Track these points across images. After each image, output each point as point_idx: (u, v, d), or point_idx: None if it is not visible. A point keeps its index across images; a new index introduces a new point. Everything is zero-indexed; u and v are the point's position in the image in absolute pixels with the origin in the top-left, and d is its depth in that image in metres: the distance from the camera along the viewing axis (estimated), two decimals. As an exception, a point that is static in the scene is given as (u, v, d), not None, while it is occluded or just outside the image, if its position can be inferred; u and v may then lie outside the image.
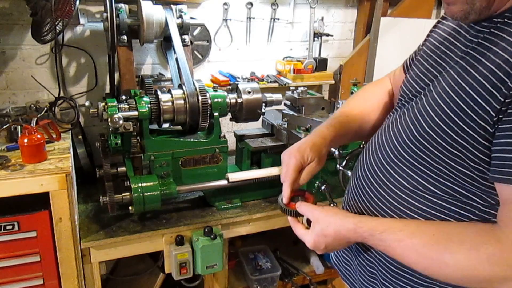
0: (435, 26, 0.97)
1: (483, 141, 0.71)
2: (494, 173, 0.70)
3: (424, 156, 0.80)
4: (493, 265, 0.66)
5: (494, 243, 0.67)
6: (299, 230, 0.92)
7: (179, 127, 1.65)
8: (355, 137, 1.11)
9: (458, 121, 0.73)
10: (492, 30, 0.73)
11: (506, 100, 0.66)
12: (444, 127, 0.75)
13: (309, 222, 0.91)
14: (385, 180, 0.88)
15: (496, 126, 0.68)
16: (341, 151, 1.61)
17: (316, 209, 0.88)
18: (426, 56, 0.91)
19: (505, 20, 0.72)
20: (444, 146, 0.76)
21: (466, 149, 0.73)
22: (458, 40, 0.83)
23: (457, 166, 0.76)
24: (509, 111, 0.66)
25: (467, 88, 0.72)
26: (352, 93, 1.94)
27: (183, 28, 1.77)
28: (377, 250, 0.82)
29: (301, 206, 0.92)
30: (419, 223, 0.80)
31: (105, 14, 1.62)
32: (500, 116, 0.67)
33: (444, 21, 0.94)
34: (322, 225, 0.85)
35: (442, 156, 0.77)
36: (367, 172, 0.94)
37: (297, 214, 0.93)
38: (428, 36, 0.97)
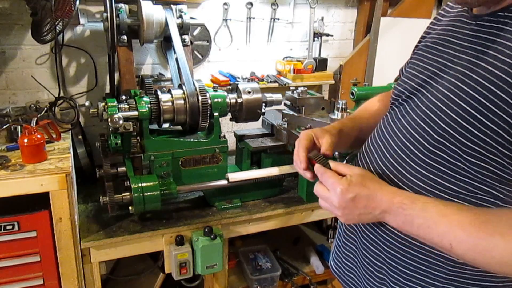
0: (429, 28, 0.95)
1: (505, 135, 0.70)
2: None
3: (441, 153, 0.78)
4: None
5: None
6: (331, 178, 0.81)
7: (179, 127, 1.65)
8: (358, 138, 1.09)
9: (479, 116, 0.71)
10: (500, 25, 0.73)
11: None
12: (463, 123, 0.73)
13: None
14: (397, 181, 0.86)
15: None
16: (341, 151, 1.61)
17: (357, 167, 0.83)
18: (422, 56, 0.89)
19: None
20: (462, 142, 0.74)
21: (487, 144, 0.72)
22: (458, 38, 0.82)
23: (476, 161, 0.75)
24: None
25: (485, 83, 0.71)
26: (352, 93, 1.93)
27: (183, 28, 1.77)
28: (413, 223, 0.75)
29: (338, 165, 0.84)
30: (460, 204, 0.76)
31: (105, 14, 1.62)
32: None
33: (436, 22, 0.92)
34: (365, 177, 0.80)
35: (461, 152, 0.75)
36: (375, 174, 0.90)
37: (328, 166, 0.86)
38: (422, 37, 0.96)
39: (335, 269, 1.11)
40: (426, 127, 0.80)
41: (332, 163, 0.86)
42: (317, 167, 0.86)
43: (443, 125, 0.77)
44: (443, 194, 0.80)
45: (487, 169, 0.75)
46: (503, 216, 0.69)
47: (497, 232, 0.67)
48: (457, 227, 0.70)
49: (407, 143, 0.84)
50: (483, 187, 0.77)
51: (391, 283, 0.92)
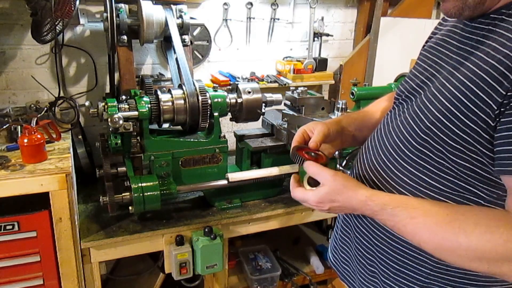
0: (436, 28, 0.97)
1: (484, 135, 0.71)
2: (499, 166, 0.70)
3: (427, 152, 0.80)
4: (507, 249, 0.66)
5: (510, 227, 0.67)
6: (298, 193, 0.89)
7: (179, 127, 1.65)
8: (362, 131, 1.11)
9: (459, 115, 0.73)
10: (491, 27, 0.74)
11: (508, 94, 0.67)
12: (445, 121, 0.75)
13: (310, 183, 0.89)
14: (387, 178, 0.88)
15: (497, 119, 0.69)
16: (341, 151, 1.61)
17: (327, 172, 0.84)
18: (424, 57, 0.92)
19: (503, 17, 0.73)
20: (445, 141, 0.76)
21: (468, 143, 0.73)
22: (454, 39, 0.84)
23: (459, 161, 0.76)
24: (511, 104, 0.66)
25: (467, 82, 0.72)
26: (352, 93, 1.94)
27: (183, 28, 1.77)
28: (386, 224, 0.81)
29: (310, 166, 0.87)
30: (433, 203, 0.78)
31: (105, 14, 1.63)
32: (502, 110, 0.68)
33: (443, 22, 0.95)
34: (331, 191, 0.83)
35: (444, 151, 0.77)
36: (368, 171, 0.94)
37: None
38: (429, 37, 0.98)
39: (332, 261, 1.15)
40: (414, 125, 0.82)
41: (306, 167, 0.89)
42: (291, 182, 0.93)
43: (428, 124, 0.78)
44: (429, 192, 0.82)
45: (470, 169, 0.76)
46: (471, 215, 0.72)
47: (462, 231, 0.70)
48: (423, 228, 0.74)
49: (398, 141, 0.86)
50: (467, 186, 0.78)
51: (381, 276, 0.95)
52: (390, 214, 0.78)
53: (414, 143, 0.82)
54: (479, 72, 0.71)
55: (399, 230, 0.79)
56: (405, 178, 0.85)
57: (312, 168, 0.87)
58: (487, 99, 0.69)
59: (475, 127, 0.71)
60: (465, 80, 0.73)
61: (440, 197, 0.81)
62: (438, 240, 0.72)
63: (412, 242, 0.79)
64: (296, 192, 0.90)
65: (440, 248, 0.73)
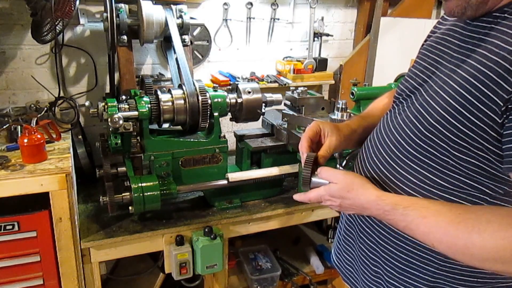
0: (435, 27, 0.97)
1: (490, 131, 0.71)
2: (508, 163, 0.69)
3: (431, 149, 0.80)
4: None
5: None
6: (312, 194, 0.89)
7: (179, 127, 1.65)
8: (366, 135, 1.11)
9: (464, 112, 0.73)
10: (493, 25, 0.75)
11: None
12: (450, 119, 0.75)
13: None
14: (391, 177, 0.88)
15: (504, 116, 0.68)
16: (341, 151, 1.60)
17: (339, 172, 0.87)
18: (424, 56, 0.92)
19: (506, 15, 0.73)
20: (451, 138, 0.76)
21: (473, 139, 0.73)
22: (455, 37, 0.84)
23: (464, 157, 0.76)
24: None
25: (471, 79, 0.72)
26: (352, 93, 1.94)
27: (183, 28, 1.77)
28: (397, 225, 0.80)
29: (323, 172, 0.89)
30: (444, 202, 0.78)
31: (105, 14, 1.63)
32: (509, 106, 0.67)
33: (442, 21, 0.95)
34: (341, 187, 0.84)
35: (449, 148, 0.77)
36: (370, 170, 0.93)
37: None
38: (428, 36, 0.98)
39: (336, 262, 1.15)
40: (417, 123, 0.82)
41: (320, 173, 0.90)
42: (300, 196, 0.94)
43: (432, 121, 0.78)
44: (433, 189, 0.82)
45: (475, 165, 0.76)
46: (482, 213, 0.71)
47: (475, 230, 0.69)
48: (435, 228, 0.73)
49: (400, 140, 0.86)
50: (472, 183, 0.78)
51: (385, 276, 0.94)
52: (402, 214, 0.77)
53: (418, 140, 0.82)
54: (483, 69, 0.71)
55: (411, 231, 0.77)
56: (409, 176, 0.85)
57: (325, 174, 0.89)
58: (492, 96, 0.69)
59: (481, 124, 0.71)
60: (468, 77, 0.73)
61: (445, 194, 0.81)
62: (451, 239, 0.71)
63: (425, 243, 0.78)
64: (310, 194, 0.90)
65: (453, 247, 0.72)
